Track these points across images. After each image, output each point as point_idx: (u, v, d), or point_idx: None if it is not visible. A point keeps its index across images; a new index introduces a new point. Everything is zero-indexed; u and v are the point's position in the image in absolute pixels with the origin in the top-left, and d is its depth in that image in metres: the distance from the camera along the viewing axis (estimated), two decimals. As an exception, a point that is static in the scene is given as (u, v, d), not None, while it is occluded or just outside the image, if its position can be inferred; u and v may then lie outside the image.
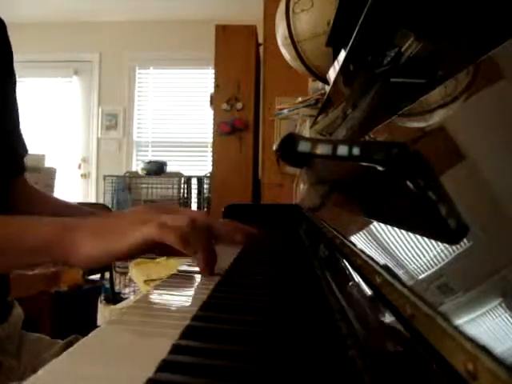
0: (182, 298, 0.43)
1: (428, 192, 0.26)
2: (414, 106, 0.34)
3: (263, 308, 0.36)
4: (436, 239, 0.23)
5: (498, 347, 0.14)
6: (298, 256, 0.66)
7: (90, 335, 0.30)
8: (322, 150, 0.35)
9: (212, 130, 3.16)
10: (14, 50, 0.72)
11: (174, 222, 0.45)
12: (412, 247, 0.25)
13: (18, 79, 0.74)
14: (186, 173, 3.77)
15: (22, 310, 0.73)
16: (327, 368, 0.25)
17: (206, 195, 3.60)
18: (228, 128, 3.06)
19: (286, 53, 1.19)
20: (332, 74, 0.85)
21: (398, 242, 0.28)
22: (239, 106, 3.07)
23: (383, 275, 0.26)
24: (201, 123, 4.24)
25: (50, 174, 2.82)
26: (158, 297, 0.43)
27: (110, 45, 4.31)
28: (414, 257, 0.24)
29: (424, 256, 0.23)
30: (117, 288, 3.01)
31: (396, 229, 0.29)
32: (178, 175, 3.71)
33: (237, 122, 3.06)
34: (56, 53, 4.30)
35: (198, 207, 3.66)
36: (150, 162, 3.71)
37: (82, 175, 4.37)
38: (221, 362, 0.25)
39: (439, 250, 0.22)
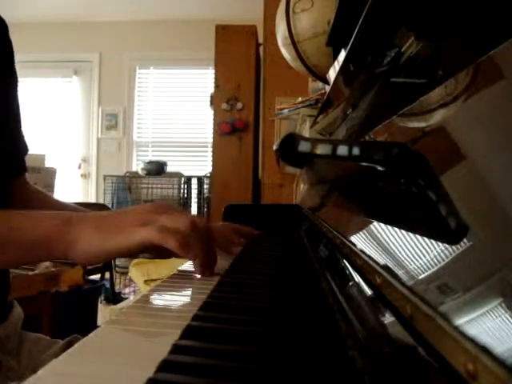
0: (182, 298, 0.43)
1: (428, 192, 0.26)
2: (414, 106, 0.34)
3: (263, 308, 0.36)
4: (436, 239, 0.23)
5: (498, 347, 0.14)
6: (298, 256, 0.66)
7: (89, 335, 0.30)
8: (321, 149, 0.35)
9: (212, 130, 3.16)
10: (14, 50, 0.72)
11: (174, 224, 0.45)
12: (412, 247, 0.25)
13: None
14: (186, 173, 3.77)
15: (22, 309, 0.73)
16: (327, 368, 0.25)
17: (205, 195, 3.60)
18: (228, 128, 3.06)
19: (286, 53, 1.19)
20: (332, 74, 0.85)
21: (398, 242, 0.28)
22: (239, 105, 3.07)
23: (383, 275, 0.26)
24: (201, 123, 4.24)
25: (50, 173, 2.82)
26: (158, 297, 0.43)
27: (110, 45, 4.31)
28: (414, 257, 0.24)
29: (424, 256, 0.23)
30: (117, 288, 3.01)
31: (396, 229, 0.29)
32: (178, 175, 3.71)
33: (237, 122, 3.06)
34: (56, 53, 4.30)
35: (198, 207, 3.66)
36: (150, 162, 3.71)
37: (82, 175, 4.37)
38: (221, 361, 0.25)
39: (439, 250, 0.22)
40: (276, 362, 0.25)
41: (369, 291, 0.30)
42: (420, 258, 0.23)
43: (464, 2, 0.31)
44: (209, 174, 3.48)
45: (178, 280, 0.49)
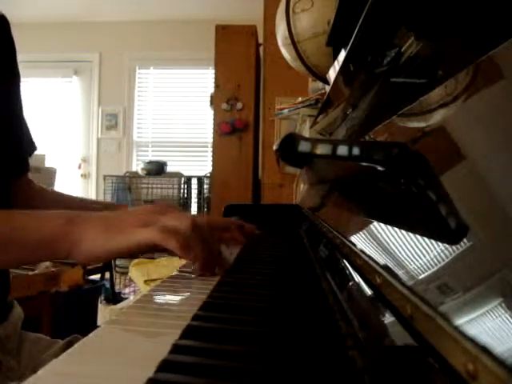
0: (182, 298, 0.43)
1: (428, 192, 0.26)
2: (414, 106, 0.34)
3: (263, 308, 0.36)
4: (436, 239, 0.23)
5: (498, 347, 0.14)
6: (298, 256, 0.66)
7: (89, 335, 0.30)
8: (322, 149, 0.35)
9: (212, 130, 3.16)
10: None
11: (176, 224, 0.46)
12: (412, 247, 0.25)
13: (18, 79, 0.74)
14: (186, 173, 3.77)
15: (22, 309, 0.73)
16: (327, 368, 0.25)
17: (205, 195, 3.60)
18: (228, 128, 3.06)
19: (286, 53, 1.19)
20: (332, 74, 0.85)
21: (398, 241, 0.28)
22: (239, 105, 3.07)
23: (383, 275, 0.26)
24: (201, 123, 4.24)
25: (50, 174, 2.82)
26: (158, 297, 0.42)
27: (110, 45, 4.31)
28: (414, 257, 0.24)
29: (424, 256, 0.23)
30: (117, 288, 3.01)
31: (396, 229, 0.29)
32: (178, 175, 3.71)
33: (237, 122, 3.06)
34: (56, 53, 4.30)
35: (198, 207, 3.66)
36: (150, 162, 3.71)
37: (82, 175, 4.37)
38: (221, 361, 0.25)
39: (439, 250, 0.22)
40: (276, 362, 0.25)
41: (369, 291, 0.30)
42: (420, 257, 0.23)
43: (464, 2, 0.31)
44: (209, 174, 3.48)
45: (178, 280, 0.49)
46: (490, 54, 0.23)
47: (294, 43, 1.12)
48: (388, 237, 0.30)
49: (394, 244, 0.28)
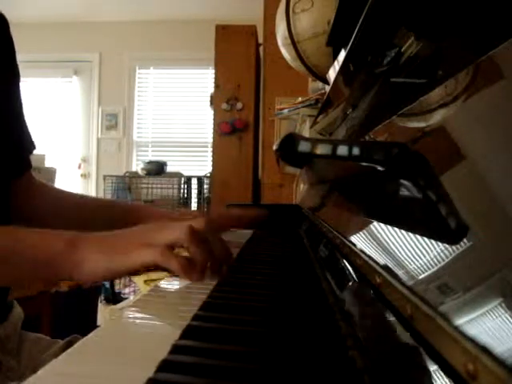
0: (182, 298, 0.43)
1: (428, 192, 0.26)
2: (414, 106, 0.34)
3: (263, 308, 0.36)
4: (436, 239, 0.23)
5: (498, 347, 0.14)
6: (298, 256, 0.66)
7: (89, 335, 0.30)
8: (322, 150, 0.35)
9: (212, 130, 3.16)
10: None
11: (175, 239, 0.46)
12: (412, 247, 0.25)
13: (18, 78, 0.74)
14: (186, 173, 3.76)
15: (22, 309, 0.73)
16: (327, 368, 0.25)
17: (205, 195, 3.60)
18: (228, 128, 3.06)
19: (286, 53, 1.19)
20: (332, 74, 0.85)
21: (398, 241, 0.28)
22: (239, 105, 3.07)
23: (383, 275, 0.26)
24: (201, 123, 4.24)
25: (50, 174, 2.82)
26: (158, 297, 0.43)
27: (110, 45, 4.31)
28: (414, 257, 0.24)
29: (424, 256, 0.23)
30: (117, 288, 3.01)
31: (396, 229, 0.29)
32: (178, 175, 3.70)
33: (237, 121, 3.06)
34: (56, 53, 4.30)
35: (198, 207, 3.66)
36: (150, 162, 3.71)
37: (81, 175, 4.37)
38: (221, 361, 0.25)
39: (439, 250, 0.22)
40: (276, 362, 0.25)
41: (369, 291, 0.30)
42: (420, 257, 0.23)
43: (464, 2, 0.31)
44: (209, 174, 3.48)
45: (177, 280, 0.49)
46: (490, 54, 0.23)
47: (293, 43, 1.12)
48: (388, 237, 0.30)
49: (394, 244, 0.28)
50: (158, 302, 0.41)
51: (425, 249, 0.23)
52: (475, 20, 0.29)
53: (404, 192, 0.31)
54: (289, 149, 0.37)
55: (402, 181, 0.31)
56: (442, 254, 0.21)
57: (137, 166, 4.01)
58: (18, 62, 0.73)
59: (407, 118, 0.36)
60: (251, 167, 3.09)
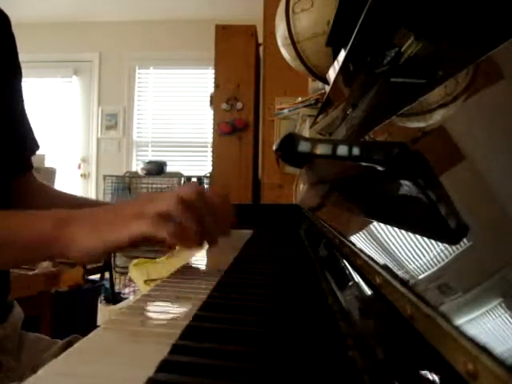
0: (182, 298, 0.43)
1: (428, 192, 0.26)
2: (414, 106, 0.34)
3: (263, 308, 0.36)
4: (436, 239, 0.23)
5: (498, 347, 0.14)
6: (298, 256, 0.66)
7: (89, 335, 0.30)
8: (321, 149, 0.35)
9: (212, 130, 3.16)
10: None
11: (163, 208, 0.45)
12: (412, 247, 0.25)
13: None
14: (186, 173, 3.76)
15: (22, 309, 0.73)
16: (327, 368, 0.25)
17: (205, 195, 3.59)
18: (228, 128, 3.06)
19: (286, 53, 1.19)
20: (332, 74, 0.85)
21: (398, 241, 0.28)
22: (239, 105, 3.07)
23: (383, 275, 0.26)
24: (201, 123, 4.24)
25: (50, 173, 2.82)
26: (158, 297, 0.42)
27: (110, 45, 4.30)
28: (414, 257, 0.24)
29: (424, 256, 0.23)
30: (117, 288, 3.01)
31: (396, 229, 0.29)
32: (178, 175, 3.70)
33: (237, 121, 3.06)
34: (56, 53, 4.30)
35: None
36: (149, 162, 3.71)
37: (81, 175, 4.37)
38: (221, 361, 0.25)
39: (439, 250, 0.22)
40: (276, 362, 0.25)
41: (369, 291, 0.30)
42: (420, 257, 0.23)
43: (464, 2, 0.31)
44: (209, 174, 3.48)
45: (177, 280, 0.49)
46: (490, 53, 0.23)
47: (293, 43, 1.12)
48: (388, 237, 0.30)
49: (394, 244, 0.28)
50: (157, 302, 0.41)
51: (425, 249, 0.23)
52: (475, 20, 0.29)
53: (404, 192, 0.31)
54: (289, 149, 0.37)
55: (402, 181, 0.31)
56: (441, 253, 0.21)
57: (137, 166, 4.01)
58: (19, 62, 0.73)
59: (407, 118, 0.36)
60: (251, 167, 3.09)
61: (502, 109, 0.21)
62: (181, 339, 0.28)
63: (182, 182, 3.66)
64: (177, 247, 0.49)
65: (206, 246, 0.55)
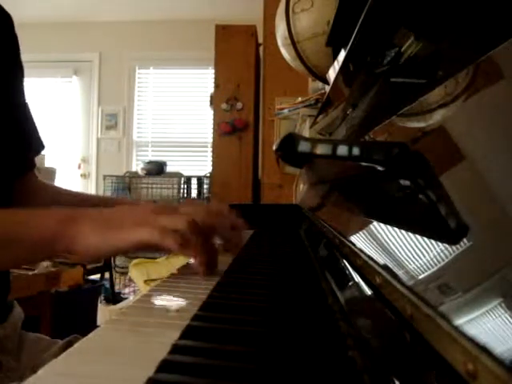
0: (182, 298, 0.43)
1: (428, 192, 0.26)
2: (414, 106, 0.34)
3: (263, 308, 0.36)
4: (436, 239, 0.23)
5: (498, 347, 0.14)
6: (298, 256, 0.66)
7: (89, 335, 0.30)
8: (321, 149, 0.35)
9: (212, 130, 3.16)
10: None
11: (173, 224, 0.46)
12: (412, 247, 0.25)
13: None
14: (186, 173, 3.77)
15: (22, 309, 0.73)
16: (327, 368, 0.25)
17: (205, 195, 3.60)
18: (228, 128, 3.06)
19: (286, 53, 1.19)
20: (332, 74, 0.85)
21: (398, 241, 0.28)
22: (239, 105, 3.07)
23: (383, 275, 0.26)
24: (201, 123, 4.24)
25: (50, 173, 2.82)
26: (158, 297, 0.42)
27: (110, 45, 4.31)
28: (414, 257, 0.24)
29: (424, 256, 0.23)
30: (117, 288, 3.01)
31: (396, 229, 0.29)
32: (178, 175, 3.71)
33: (237, 121, 3.06)
34: (56, 53, 4.30)
35: (198, 207, 3.65)
36: (149, 162, 3.71)
37: (81, 175, 4.37)
38: (221, 362, 0.25)
39: (439, 250, 0.22)
40: (276, 362, 0.25)
41: (369, 291, 0.30)
42: (420, 257, 0.23)
43: (464, 2, 0.31)
44: (209, 174, 3.48)
45: (177, 280, 0.49)
46: (490, 53, 0.23)
47: (293, 43, 1.12)
48: (388, 237, 0.30)
49: (393, 244, 0.28)
50: (157, 302, 0.41)
51: (425, 249, 0.23)
52: (475, 20, 0.29)
53: (404, 192, 0.31)
54: (289, 149, 0.37)
55: (402, 181, 0.31)
56: (442, 253, 0.21)
57: (137, 166, 4.01)
58: (19, 62, 0.73)
59: (407, 118, 0.36)
60: (251, 167, 3.09)
61: (502, 109, 0.21)
62: (181, 339, 0.28)
63: (182, 181, 3.66)
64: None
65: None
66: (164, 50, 4.25)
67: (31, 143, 0.76)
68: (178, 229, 0.46)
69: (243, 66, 3.08)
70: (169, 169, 3.74)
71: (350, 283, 0.36)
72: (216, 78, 3.11)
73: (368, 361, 0.24)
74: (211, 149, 3.25)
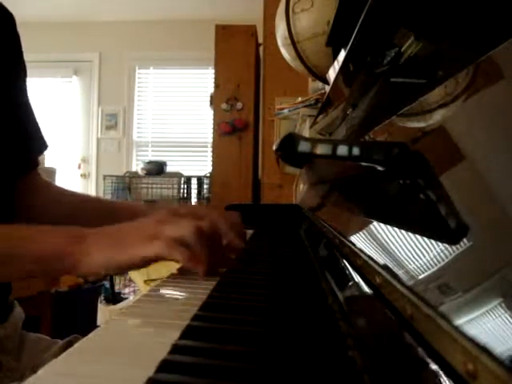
0: (182, 298, 0.43)
1: (428, 192, 0.26)
2: (414, 106, 0.34)
3: (263, 308, 0.36)
4: (436, 239, 0.23)
5: (498, 347, 0.14)
6: (298, 256, 0.66)
7: (89, 335, 0.30)
8: (321, 149, 0.35)
9: (212, 130, 3.16)
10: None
11: (180, 234, 0.46)
12: (412, 247, 0.25)
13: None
14: (186, 173, 3.76)
15: (22, 309, 0.73)
16: (327, 368, 0.25)
17: (205, 195, 3.60)
18: (228, 128, 3.06)
19: (286, 53, 1.19)
20: (332, 74, 0.85)
21: (398, 241, 0.28)
22: (239, 105, 3.07)
23: (383, 275, 0.26)
24: (201, 123, 4.24)
25: (50, 173, 2.82)
26: (158, 297, 0.43)
27: (110, 45, 4.30)
28: (414, 257, 0.24)
29: (424, 256, 0.23)
30: (117, 288, 3.01)
31: (396, 229, 0.29)
32: (178, 175, 3.70)
33: (237, 121, 3.06)
34: (56, 53, 4.30)
35: (198, 207, 3.65)
36: (149, 162, 3.71)
37: (81, 175, 4.37)
38: (221, 361, 0.25)
39: (439, 250, 0.22)
40: (276, 362, 0.25)
41: (369, 291, 0.30)
42: (420, 257, 0.23)
43: (464, 2, 0.31)
44: (209, 174, 3.48)
45: (177, 280, 0.49)
46: (490, 53, 0.23)
47: (293, 43, 1.12)
48: (388, 237, 0.30)
49: (393, 244, 0.28)
50: (157, 302, 0.41)
51: (425, 249, 0.23)
52: (475, 20, 0.29)
53: (404, 192, 0.31)
54: (289, 149, 0.37)
55: (402, 181, 0.31)
56: (442, 253, 0.21)
57: (137, 166, 4.01)
58: (19, 62, 0.73)
59: (407, 118, 0.36)
60: (251, 167, 3.09)
61: (502, 109, 0.21)
62: (181, 339, 0.28)
63: (182, 181, 3.66)
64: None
65: None
66: (164, 49, 4.25)
67: (34, 142, 0.76)
68: (185, 238, 0.46)
69: (243, 66, 3.08)
70: (169, 169, 3.74)
71: (349, 283, 0.36)
72: (216, 78, 3.11)
73: (368, 361, 0.24)
74: (211, 149, 3.25)
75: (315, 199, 0.84)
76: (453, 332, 0.16)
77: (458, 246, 0.20)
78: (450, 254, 0.20)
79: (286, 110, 1.76)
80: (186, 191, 3.67)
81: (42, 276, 1.49)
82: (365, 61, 0.56)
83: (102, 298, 2.53)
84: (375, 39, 0.51)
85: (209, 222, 0.50)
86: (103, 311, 2.32)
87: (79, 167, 4.38)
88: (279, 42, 1.20)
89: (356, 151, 0.33)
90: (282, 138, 0.38)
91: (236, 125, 3.06)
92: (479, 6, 0.29)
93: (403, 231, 0.28)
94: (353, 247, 0.35)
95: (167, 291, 0.45)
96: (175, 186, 3.63)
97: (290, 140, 0.37)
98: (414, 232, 0.26)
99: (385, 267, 0.26)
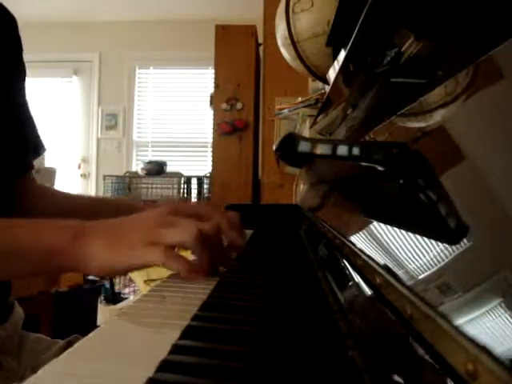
0: (182, 298, 0.43)
1: (428, 192, 0.26)
2: (414, 106, 0.34)
3: (263, 308, 0.36)
4: (436, 239, 0.23)
5: (498, 347, 0.14)
6: (298, 256, 0.66)
7: (89, 335, 0.30)
8: (321, 149, 0.35)
9: (212, 130, 3.16)
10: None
11: (180, 239, 0.46)
12: (412, 247, 0.25)
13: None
14: (186, 173, 3.76)
15: (22, 309, 0.73)
16: (327, 368, 0.25)
17: (205, 195, 3.60)
18: (228, 128, 3.06)
19: (286, 53, 1.19)
20: (332, 74, 0.85)
21: (398, 241, 0.28)
22: (239, 105, 3.07)
23: (383, 275, 0.26)
24: (201, 123, 4.24)
25: (50, 173, 2.82)
26: (158, 297, 0.42)
27: (110, 45, 4.30)
28: (414, 257, 0.24)
29: (424, 256, 0.23)
30: (117, 288, 3.01)
31: (396, 229, 0.29)
32: (178, 175, 3.70)
33: (237, 121, 3.06)
34: (56, 53, 4.30)
35: (198, 207, 3.65)
36: (149, 162, 3.71)
37: (81, 175, 4.37)
38: (221, 361, 0.25)
39: (439, 250, 0.22)
40: (276, 362, 0.25)
41: (369, 291, 0.30)
42: (420, 257, 0.23)
43: (464, 2, 0.31)
44: (209, 174, 3.48)
45: (177, 280, 0.49)
46: (490, 53, 0.23)
47: (293, 43, 1.12)
48: (388, 237, 0.30)
49: (394, 244, 0.28)
50: (157, 302, 0.41)
51: (425, 249, 0.23)
52: (475, 20, 0.29)
53: (404, 192, 0.31)
54: (289, 149, 0.37)
55: (402, 181, 0.31)
56: (442, 253, 0.21)
57: (137, 166, 4.01)
58: (20, 62, 0.73)
59: (407, 117, 0.36)
60: (251, 167, 3.09)
61: (502, 109, 0.21)
62: (181, 339, 0.28)
63: (182, 181, 3.66)
64: (176, 248, 0.49)
65: None
66: (164, 49, 4.25)
67: (31, 144, 0.76)
68: (186, 244, 0.46)
69: (243, 66, 3.08)
70: (169, 169, 3.73)
71: (349, 283, 0.36)
72: (216, 78, 3.11)
73: (368, 361, 0.24)
74: (211, 149, 3.24)
75: (315, 199, 0.84)
76: (453, 332, 0.16)
77: (458, 246, 0.20)
78: (450, 254, 0.20)
79: (286, 110, 1.76)
80: (186, 191, 3.67)
81: (41, 274, 1.48)
82: (365, 61, 0.56)
83: (102, 298, 2.54)
84: (375, 39, 0.51)
85: (211, 223, 0.49)
86: (103, 311, 2.32)
87: (79, 167, 4.38)
88: (279, 42, 1.20)
89: (356, 151, 0.33)
90: (281, 137, 0.38)
91: (236, 125, 3.06)
92: (479, 5, 0.29)
93: (403, 231, 0.28)
94: (353, 247, 0.35)
95: (167, 291, 0.45)
96: (175, 186, 3.63)
97: (290, 140, 0.37)
98: (414, 232, 0.26)
99: (385, 267, 0.26)
